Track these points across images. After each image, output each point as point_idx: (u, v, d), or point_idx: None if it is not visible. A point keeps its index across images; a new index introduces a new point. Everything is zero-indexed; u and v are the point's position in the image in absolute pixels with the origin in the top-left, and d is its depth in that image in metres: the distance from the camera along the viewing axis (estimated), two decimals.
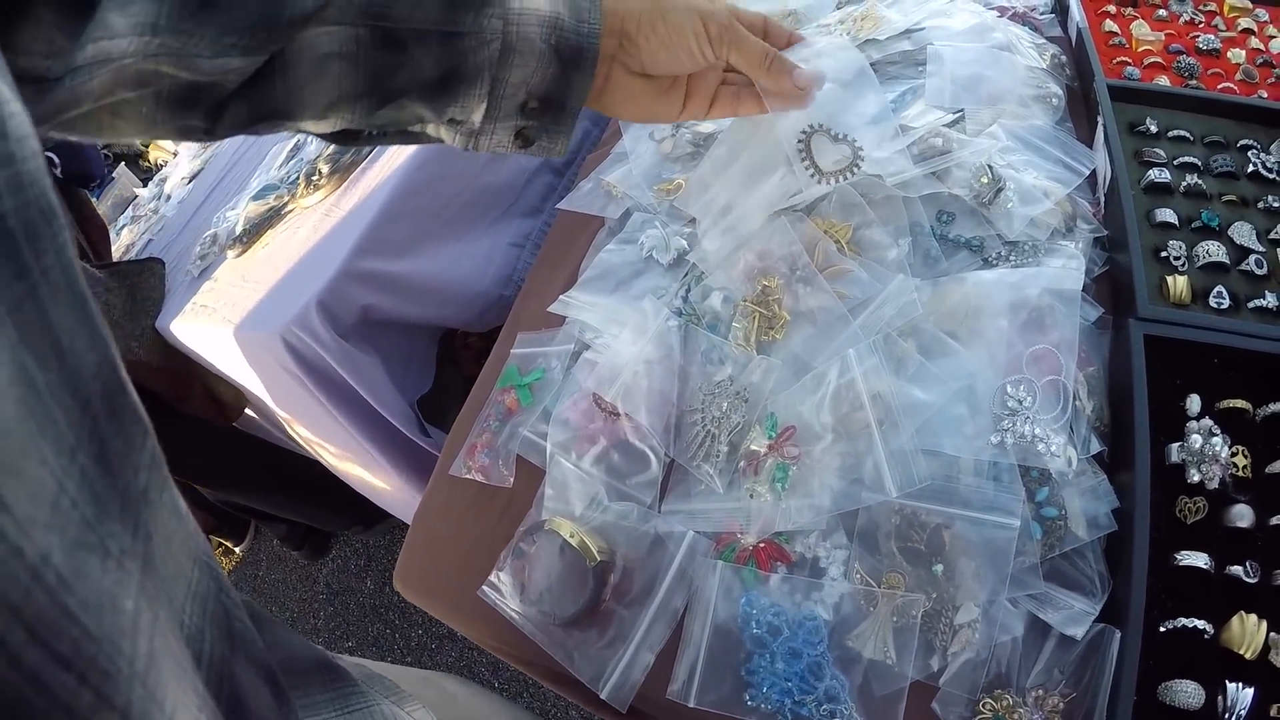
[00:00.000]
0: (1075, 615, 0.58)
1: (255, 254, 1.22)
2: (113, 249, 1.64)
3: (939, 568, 0.59)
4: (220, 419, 1.38)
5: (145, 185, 1.91)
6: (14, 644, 0.17)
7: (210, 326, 1.17)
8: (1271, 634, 0.57)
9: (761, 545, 0.64)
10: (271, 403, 1.22)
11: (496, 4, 0.55)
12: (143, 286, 1.32)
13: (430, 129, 0.62)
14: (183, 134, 0.55)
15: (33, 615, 0.18)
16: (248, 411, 1.43)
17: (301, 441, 1.34)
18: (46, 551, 0.19)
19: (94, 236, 1.51)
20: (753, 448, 0.67)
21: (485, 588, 0.72)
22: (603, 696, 0.64)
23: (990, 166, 0.75)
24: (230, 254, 1.24)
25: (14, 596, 0.18)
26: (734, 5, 0.66)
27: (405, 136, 0.63)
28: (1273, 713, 0.55)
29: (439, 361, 1.35)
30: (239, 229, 1.25)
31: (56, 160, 1.51)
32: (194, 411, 1.33)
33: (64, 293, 0.22)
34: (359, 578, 2.05)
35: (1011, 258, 0.72)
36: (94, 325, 0.24)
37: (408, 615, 1.92)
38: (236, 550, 2.23)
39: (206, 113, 0.53)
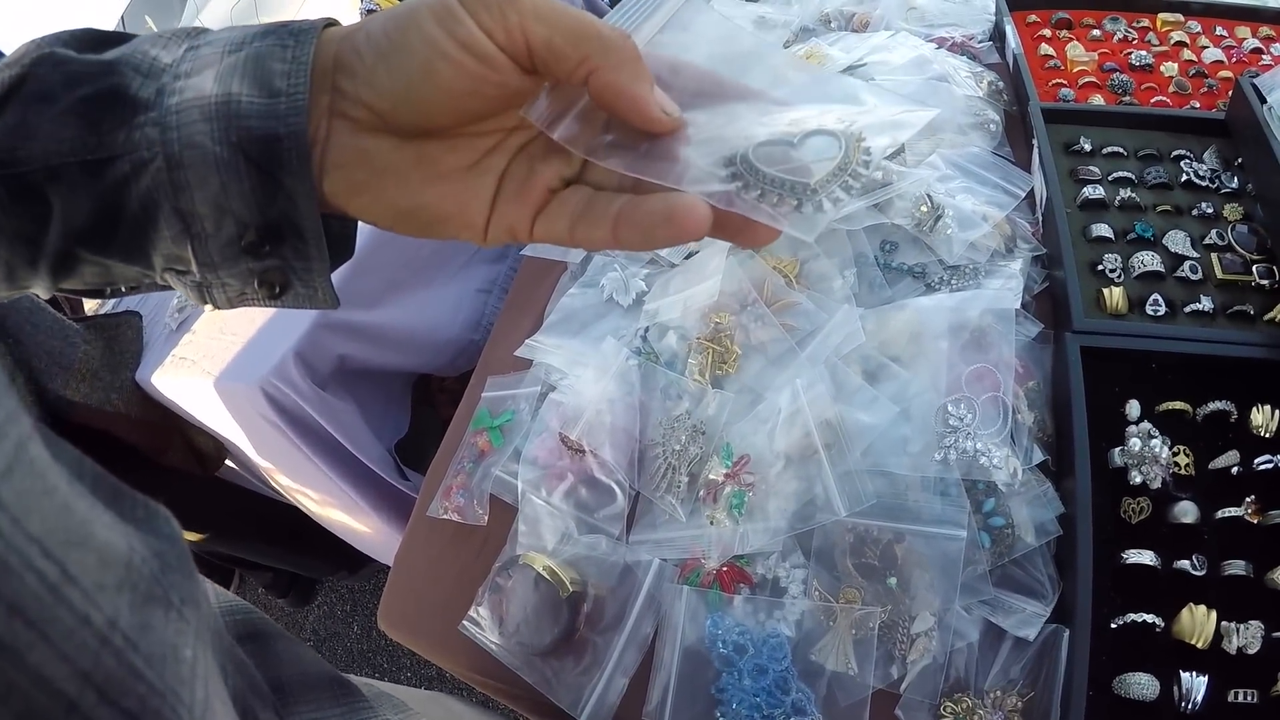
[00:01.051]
0: (1027, 618, 0.60)
1: None
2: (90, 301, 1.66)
3: (893, 581, 0.62)
4: (200, 470, 1.39)
5: None
6: (86, 706, 0.19)
7: (190, 378, 1.18)
8: (1222, 623, 0.59)
9: (724, 569, 0.66)
10: (252, 452, 1.23)
11: (151, 106, 0.38)
12: (120, 339, 1.33)
13: (165, 280, 0.42)
14: None
15: (102, 678, 0.19)
16: (228, 462, 1.45)
17: (282, 490, 1.35)
18: (114, 616, 0.20)
19: None
20: (711, 477, 0.69)
21: (466, 622, 0.73)
22: None
23: (929, 195, 0.78)
24: (207, 305, 1.26)
25: (84, 663, 0.19)
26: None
27: (152, 288, 0.45)
28: (1230, 698, 0.57)
29: (417, 406, 1.37)
30: None
31: None
32: (174, 463, 1.34)
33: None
34: (345, 623, 2.04)
35: (953, 281, 0.75)
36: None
37: (395, 659, 1.92)
38: None
39: None
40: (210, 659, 0.25)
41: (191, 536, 1.51)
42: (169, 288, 0.43)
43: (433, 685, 1.81)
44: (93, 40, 0.41)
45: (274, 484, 1.33)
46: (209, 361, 1.17)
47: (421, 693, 0.68)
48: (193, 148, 0.37)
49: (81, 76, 0.38)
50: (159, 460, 1.34)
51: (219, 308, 0.43)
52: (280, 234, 0.39)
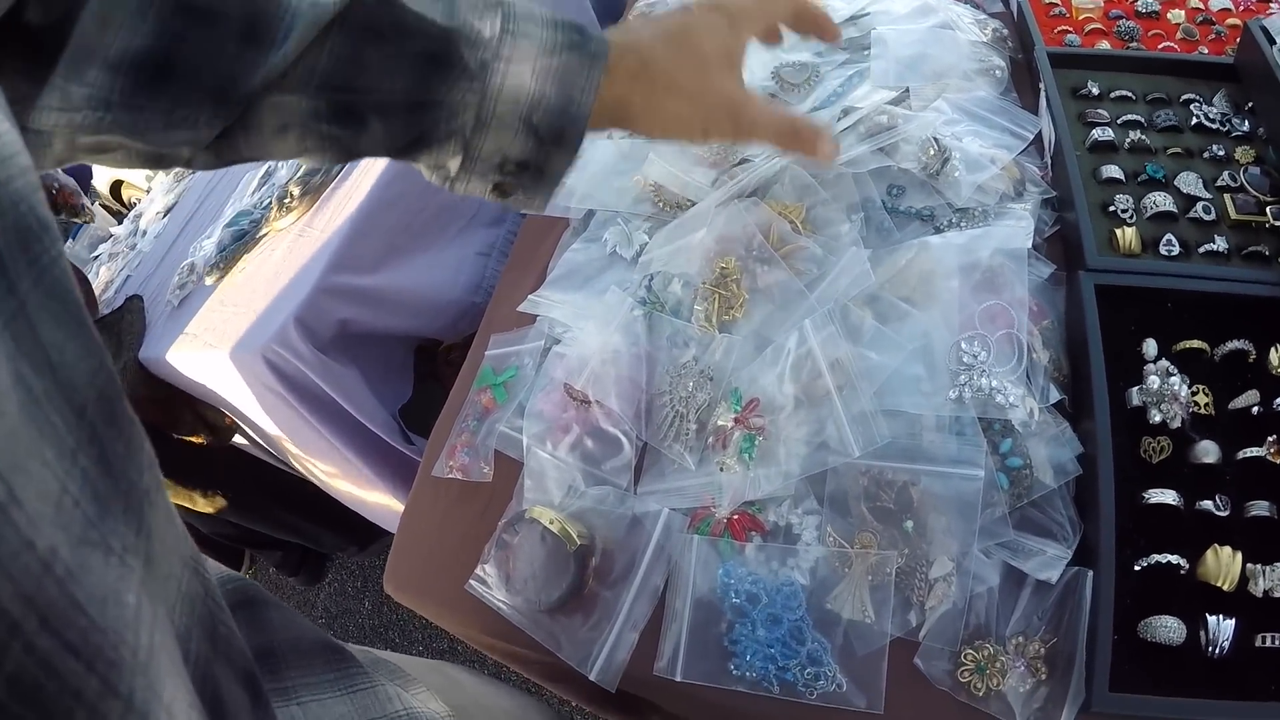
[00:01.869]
0: (1048, 560, 0.59)
1: (233, 278, 1.23)
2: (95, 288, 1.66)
3: (909, 524, 0.60)
4: (213, 441, 1.39)
5: (120, 223, 1.92)
6: (29, 630, 0.18)
7: (194, 352, 1.18)
8: (1248, 565, 0.57)
9: (735, 517, 0.65)
10: (261, 422, 1.23)
11: (476, 77, 0.51)
12: (127, 328, 1.33)
13: (418, 167, 0.59)
14: (158, 168, 0.56)
15: (45, 604, 0.19)
16: (242, 439, 1.44)
17: (293, 460, 1.35)
18: (54, 545, 0.20)
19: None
20: (720, 423, 0.68)
21: (472, 581, 0.72)
22: (591, 678, 0.64)
23: (935, 139, 0.76)
24: (209, 280, 1.26)
25: (28, 586, 0.18)
26: (774, 8, 0.62)
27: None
28: (1257, 643, 0.56)
29: (424, 377, 1.36)
30: (215, 254, 1.26)
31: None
32: (186, 436, 1.34)
33: (55, 305, 0.23)
34: (357, 599, 2.05)
35: (962, 224, 0.74)
36: (87, 335, 0.24)
37: (408, 633, 1.92)
38: None
39: (179, 163, 0.53)
40: (160, 613, 0.25)
41: (209, 506, 1.50)
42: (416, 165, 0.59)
43: (443, 657, 1.82)
44: None
45: (285, 455, 1.33)
46: (211, 334, 1.17)
47: (423, 661, 0.67)
48: (499, 116, 0.52)
49: (415, 31, 0.50)
50: (172, 433, 1.34)
51: (454, 192, 0.58)
52: (530, 169, 0.56)
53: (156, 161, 0.52)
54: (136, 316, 1.31)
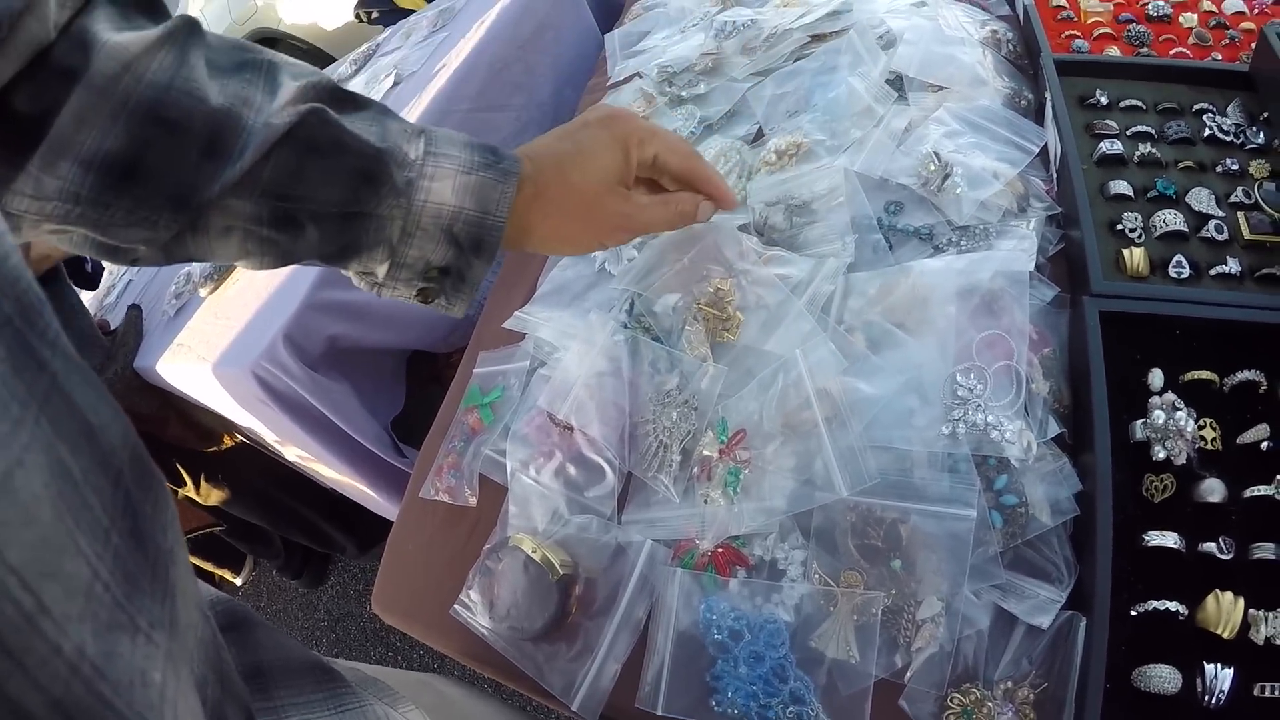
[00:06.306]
0: (1041, 604, 0.57)
1: (226, 290, 1.23)
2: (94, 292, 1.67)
3: (897, 563, 0.58)
4: (201, 446, 1.39)
5: None
6: None
7: (188, 364, 1.17)
8: (1250, 610, 0.55)
9: (719, 550, 0.63)
10: (256, 430, 1.23)
11: (402, 193, 0.57)
12: (123, 333, 1.34)
13: (348, 274, 0.63)
14: (108, 260, 0.59)
15: (72, 705, 0.20)
16: (249, 438, 1.45)
17: (297, 460, 1.35)
18: (81, 643, 0.20)
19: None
20: (705, 452, 0.66)
21: (457, 606, 0.72)
22: (573, 708, 0.64)
23: (936, 153, 0.73)
24: (203, 291, 1.25)
25: (56, 691, 0.19)
26: (660, 148, 0.66)
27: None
28: (1255, 692, 0.53)
29: (424, 383, 1.35)
30: (209, 266, 1.26)
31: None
32: (174, 439, 1.35)
33: (75, 372, 0.23)
34: (359, 602, 2.05)
35: (962, 243, 0.71)
36: (106, 394, 0.25)
37: (409, 637, 1.92)
38: (236, 582, 2.23)
39: (127, 260, 0.57)
40: (184, 678, 0.26)
41: (215, 498, 1.50)
42: (346, 276, 0.64)
43: (445, 661, 1.82)
44: (339, 98, 0.57)
45: (285, 457, 1.33)
46: (205, 347, 1.17)
47: (412, 676, 0.67)
48: (423, 228, 0.58)
49: (352, 150, 0.55)
50: (161, 437, 1.34)
51: (380, 296, 0.63)
52: (451, 274, 0.61)
53: (111, 254, 0.55)
54: (131, 328, 1.32)
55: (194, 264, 1.34)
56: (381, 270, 0.60)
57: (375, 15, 2.73)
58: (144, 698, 0.22)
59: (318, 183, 0.55)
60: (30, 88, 0.47)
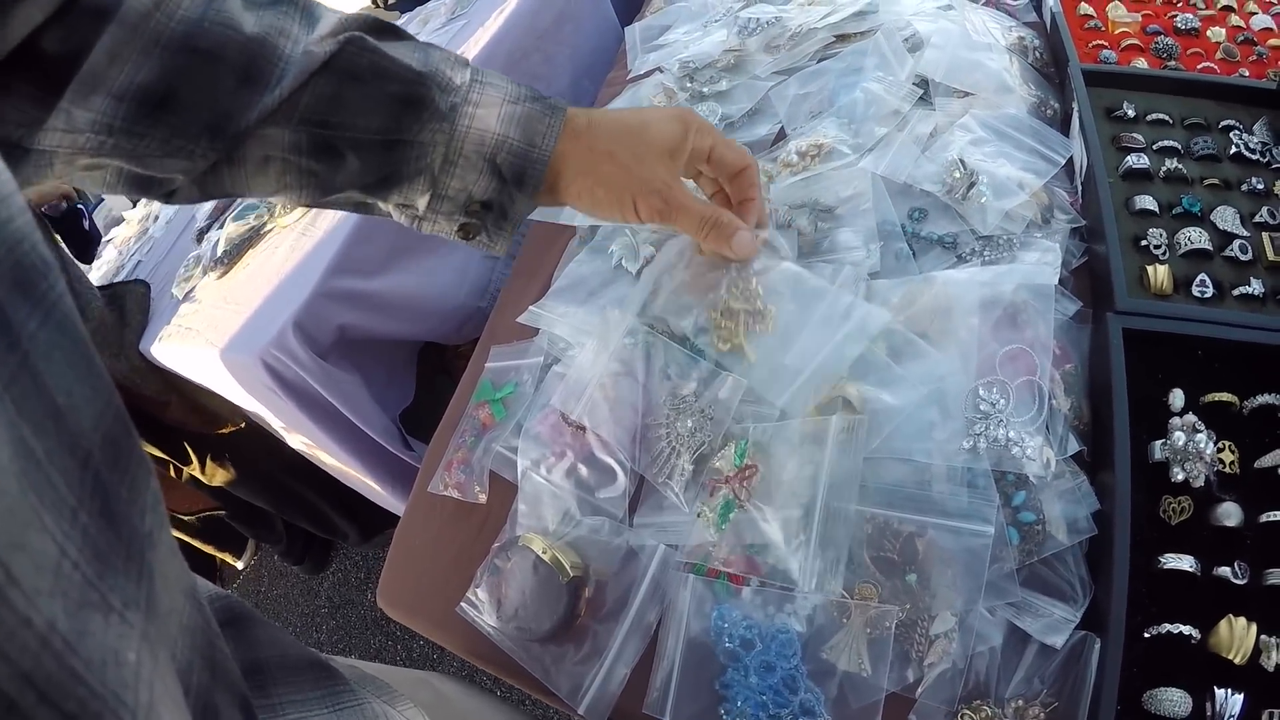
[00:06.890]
0: (1055, 623, 0.56)
1: (236, 275, 1.22)
2: (102, 269, 1.66)
3: (912, 577, 0.58)
4: (207, 429, 1.38)
5: (135, 206, 1.92)
6: (26, 706, 0.19)
7: (195, 348, 1.17)
8: (1262, 637, 0.54)
9: (733, 557, 0.63)
10: (263, 415, 1.22)
11: (445, 118, 0.56)
12: (130, 309, 1.32)
13: (379, 207, 0.63)
14: (142, 195, 0.58)
15: (42, 679, 0.19)
16: (257, 421, 1.44)
17: (302, 448, 1.34)
18: (52, 618, 0.20)
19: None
20: (718, 465, 0.65)
21: (464, 604, 0.71)
22: (580, 711, 0.63)
23: (962, 160, 0.73)
24: (212, 275, 1.24)
25: (25, 664, 0.19)
26: (719, 140, 0.66)
27: (358, 208, 0.64)
28: (1264, 718, 0.53)
29: (433, 373, 1.34)
30: (220, 249, 1.25)
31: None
32: (176, 421, 1.34)
33: (62, 346, 0.23)
34: (360, 590, 2.05)
35: (985, 253, 0.70)
36: (95, 372, 0.24)
37: (409, 627, 1.92)
38: (238, 566, 2.23)
39: (162, 193, 0.57)
40: (163, 661, 0.25)
41: (219, 478, 1.50)
42: (381, 212, 0.64)
43: (445, 653, 1.82)
44: (380, 28, 0.56)
45: (291, 443, 1.32)
46: (213, 332, 1.16)
47: (410, 674, 0.67)
48: (465, 155, 0.57)
49: (392, 75, 0.55)
50: (161, 419, 1.34)
51: (421, 231, 0.63)
52: (493, 209, 0.60)
53: (147, 187, 0.55)
54: (137, 303, 1.31)
55: (204, 248, 1.33)
56: (422, 202, 0.60)
57: (392, 1, 2.71)
58: (117, 676, 0.22)
59: (358, 109, 0.54)
60: (60, 30, 0.47)
